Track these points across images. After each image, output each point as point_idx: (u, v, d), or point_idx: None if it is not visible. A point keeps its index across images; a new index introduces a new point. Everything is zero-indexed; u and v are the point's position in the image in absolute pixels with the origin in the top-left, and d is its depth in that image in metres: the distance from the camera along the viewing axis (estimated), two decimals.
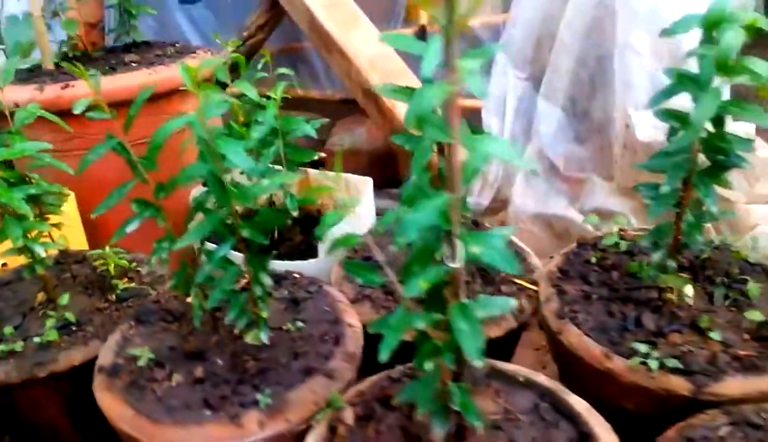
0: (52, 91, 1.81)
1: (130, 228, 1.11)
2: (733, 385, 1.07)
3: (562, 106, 2.05)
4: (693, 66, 1.09)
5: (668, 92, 1.10)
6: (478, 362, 0.80)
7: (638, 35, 1.77)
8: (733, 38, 0.99)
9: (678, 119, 1.11)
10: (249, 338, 1.19)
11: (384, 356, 0.82)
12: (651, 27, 1.75)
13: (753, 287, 1.25)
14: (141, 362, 1.18)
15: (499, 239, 0.80)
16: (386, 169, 2.61)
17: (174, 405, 1.10)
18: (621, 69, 1.81)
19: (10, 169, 1.35)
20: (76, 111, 1.08)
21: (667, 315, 1.20)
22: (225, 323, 1.21)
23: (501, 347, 1.34)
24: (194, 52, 2.16)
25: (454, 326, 0.83)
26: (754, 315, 1.16)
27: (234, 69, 2.85)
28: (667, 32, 1.10)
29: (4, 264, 1.65)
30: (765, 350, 1.13)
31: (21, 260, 1.39)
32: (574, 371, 1.22)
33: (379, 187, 2.66)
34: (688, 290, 1.22)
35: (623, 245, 1.39)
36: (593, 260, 1.38)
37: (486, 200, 2.15)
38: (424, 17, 2.73)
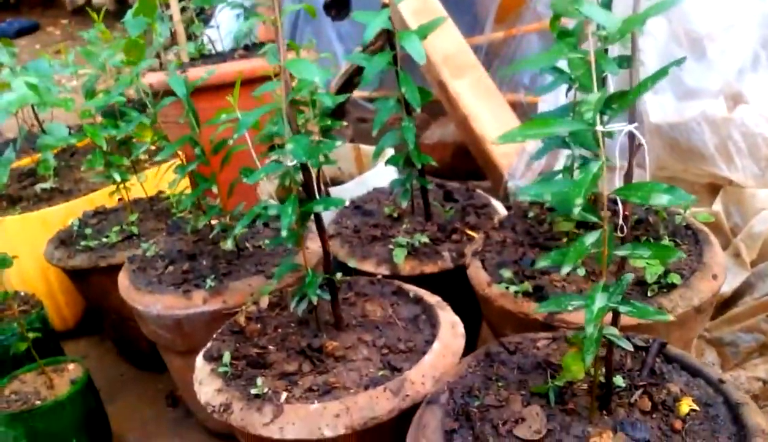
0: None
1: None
2: (580, 315, 1.14)
3: None
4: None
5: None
6: (283, 233, 1.05)
7: (658, 22, 1.79)
8: None
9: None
10: (222, 244, 1.53)
11: (235, 231, 1.11)
12: (668, 12, 1.76)
13: (666, 243, 1.28)
14: (148, 254, 1.59)
15: (304, 140, 1.05)
16: (470, 161, 2.78)
17: (153, 282, 1.48)
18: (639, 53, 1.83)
19: (110, 119, 1.86)
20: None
21: None
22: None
23: (437, 283, 1.50)
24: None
25: (282, 210, 1.08)
26: (637, 262, 1.20)
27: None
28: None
29: (120, 199, 2.19)
30: (633, 292, 1.18)
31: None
32: (480, 302, 1.36)
33: (462, 178, 2.86)
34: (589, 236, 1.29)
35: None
36: (531, 214, 1.48)
37: (526, 183, 2.24)
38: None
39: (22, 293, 1.87)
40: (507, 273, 1.26)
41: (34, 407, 1.44)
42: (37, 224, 2.07)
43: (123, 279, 1.53)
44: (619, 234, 0.85)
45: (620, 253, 0.81)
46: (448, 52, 2.54)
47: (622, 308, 0.81)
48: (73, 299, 2.16)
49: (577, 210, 0.74)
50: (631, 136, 0.82)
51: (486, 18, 2.87)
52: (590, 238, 0.80)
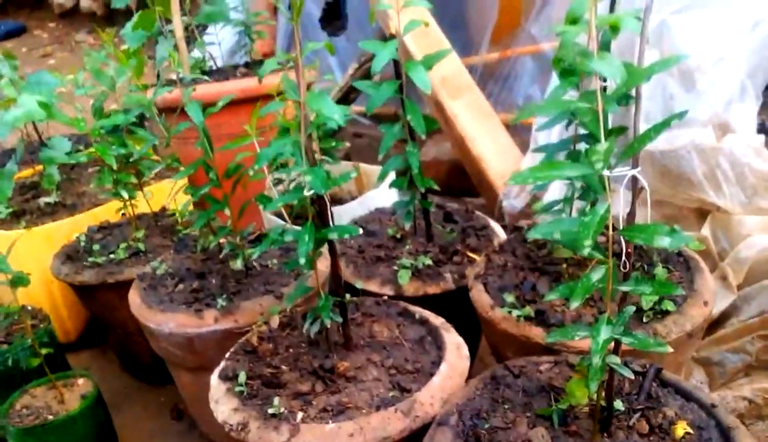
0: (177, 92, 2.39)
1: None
2: (583, 341, 1.21)
3: None
4: None
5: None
6: (301, 260, 1.10)
7: (651, 53, 1.87)
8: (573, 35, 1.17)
9: None
10: (231, 264, 1.58)
11: (255, 255, 1.16)
12: (661, 45, 1.84)
13: (660, 271, 1.35)
14: (159, 272, 1.63)
15: (323, 171, 1.10)
16: (465, 179, 2.85)
17: (165, 300, 1.52)
18: None
19: (118, 136, 1.90)
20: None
21: (563, 283, 1.35)
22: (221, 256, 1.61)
23: (439, 304, 1.55)
24: None
25: (299, 237, 1.14)
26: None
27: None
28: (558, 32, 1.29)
29: (123, 214, 2.23)
30: (631, 319, 1.24)
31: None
32: (481, 324, 1.42)
33: (456, 195, 2.93)
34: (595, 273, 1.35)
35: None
36: (530, 239, 1.55)
37: (520, 204, 2.31)
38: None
39: (29, 307, 1.90)
40: (510, 298, 1.32)
41: (46, 421, 1.48)
42: (42, 238, 2.10)
43: (134, 297, 1.57)
44: (622, 269, 0.91)
45: (624, 288, 0.87)
46: (445, 73, 2.61)
47: (624, 340, 0.87)
48: (75, 312, 2.19)
49: (586, 251, 0.80)
50: (634, 179, 0.88)
51: (481, 38, 2.94)
52: (596, 274, 0.86)
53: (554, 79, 2.22)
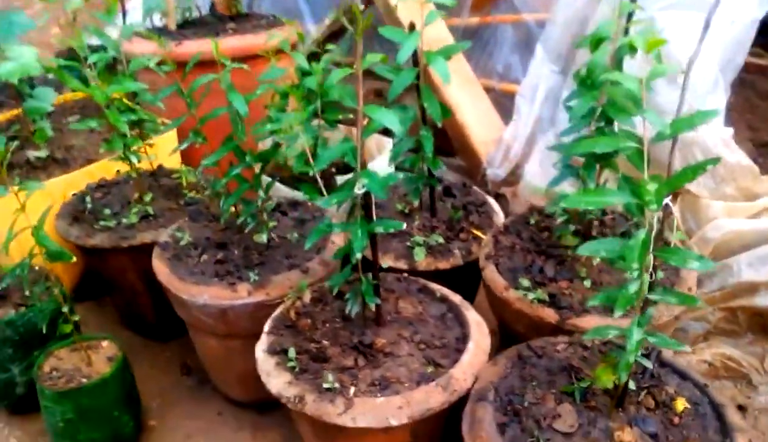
0: (168, 46, 2.36)
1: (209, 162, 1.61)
2: (590, 321, 1.39)
3: None
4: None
5: (571, 96, 1.42)
6: (358, 255, 1.22)
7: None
8: (601, 56, 1.30)
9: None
10: (255, 238, 1.67)
11: (307, 246, 1.26)
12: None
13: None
14: (182, 242, 1.70)
15: (382, 176, 1.21)
16: (439, 139, 2.97)
17: (195, 272, 1.61)
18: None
19: (122, 102, 1.91)
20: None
21: (566, 267, 1.53)
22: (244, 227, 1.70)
23: (449, 278, 1.71)
24: (282, 25, 2.64)
25: (353, 231, 1.25)
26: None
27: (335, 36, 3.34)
28: (579, 44, 1.41)
29: (118, 171, 2.24)
30: None
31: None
32: (491, 299, 1.59)
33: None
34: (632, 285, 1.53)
35: (561, 213, 1.71)
36: (532, 221, 1.71)
37: (503, 172, 2.47)
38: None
39: (36, 267, 1.92)
40: (525, 281, 1.48)
41: (81, 384, 1.56)
42: (37, 194, 2.09)
43: (161, 267, 1.64)
44: (649, 279, 1.08)
45: (653, 297, 1.04)
46: (431, 38, 2.67)
47: (651, 339, 1.05)
48: (70, 267, 2.21)
49: (635, 273, 0.96)
50: (666, 206, 1.04)
51: (463, 1, 3.00)
52: (633, 286, 1.02)
53: (569, 84, 2.34)
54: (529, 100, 2.50)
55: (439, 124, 1.68)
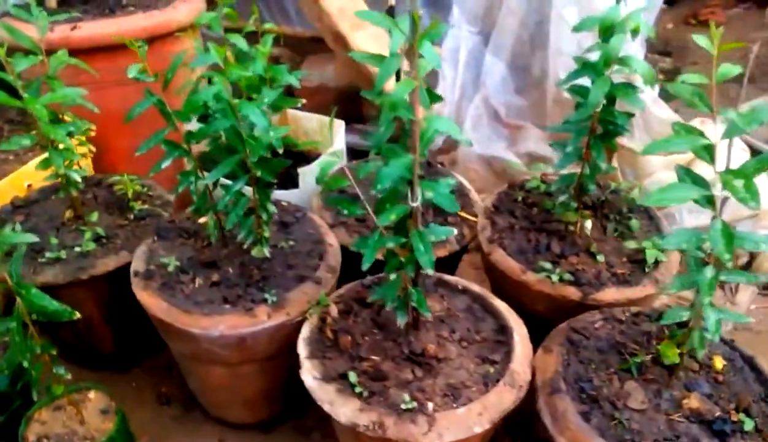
0: (61, 31, 2.01)
1: (165, 165, 1.42)
2: (610, 294, 1.49)
3: (506, 61, 2.40)
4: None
5: (574, 75, 1.46)
6: (430, 272, 1.18)
7: (570, 9, 2.10)
8: (618, 41, 1.35)
9: (581, 95, 1.47)
10: (254, 252, 1.54)
11: (366, 266, 1.20)
12: (580, 2, 2.08)
13: (634, 223, 1.67)
14: (170, 269, 1.52)
15: (447, 187, 1.17)
16: (352, 106, 2.90)
17: (199, 300, 1.46)
18: (555, 36, 2.15)
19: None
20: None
21: (569, 242, 1.61)
22: (234, 240, 1.55)
23: (446, 264, 1.73)
24: None
25: (414, 246, 1.20)
26: (631, 244, 1.57)
27: None
28: (576, 28, 1.44)
29: (29, 185, 1.92)
30: (635, 270, 1.55)
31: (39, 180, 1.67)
32: (500, 283, 1.63)
33: (345, 122, 2.98)
34: (588, 224, 1.62)
35: (543, 187, 1.78)
36: (519, 198, 1.77)
37: (439, 140, 2.50)
38: None
39: None
40: (545, 264, 1.53)
41: None
42: None
43: (153, 301, 1.46)
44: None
45: (723, 278, 1.14)
46: (342, 4, 2.56)
47: (724, 317, 1.15)
48: None
49: (729, 264, 1.04)
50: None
51: None
52: (709, 272, 1.11)
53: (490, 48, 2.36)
54: (452, 64, 2.52)
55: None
